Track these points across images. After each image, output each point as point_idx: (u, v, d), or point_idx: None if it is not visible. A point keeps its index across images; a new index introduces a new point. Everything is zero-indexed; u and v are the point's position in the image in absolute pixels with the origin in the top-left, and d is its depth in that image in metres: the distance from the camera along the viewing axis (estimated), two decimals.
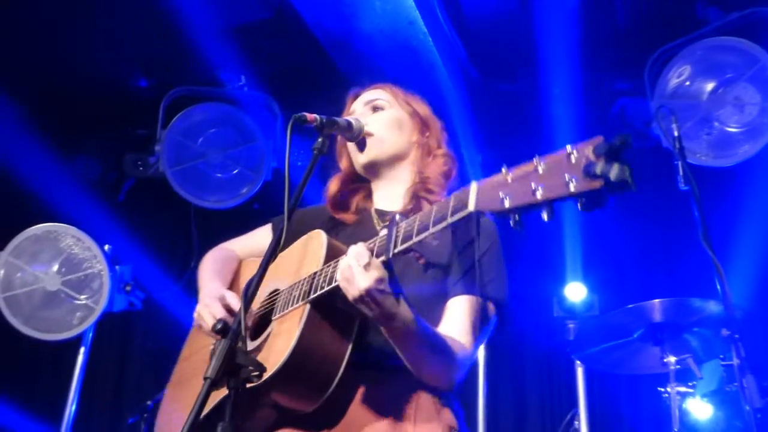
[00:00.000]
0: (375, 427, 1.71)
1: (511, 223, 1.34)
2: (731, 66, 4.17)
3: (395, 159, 2.02)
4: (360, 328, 1.73)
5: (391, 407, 1.74)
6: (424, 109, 2.11)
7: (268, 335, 1.79)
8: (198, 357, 2.07)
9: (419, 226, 1.53)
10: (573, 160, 1.25)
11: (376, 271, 1.55)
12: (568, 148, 1.27)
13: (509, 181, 1.35)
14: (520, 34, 4.49)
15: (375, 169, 2.03)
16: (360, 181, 2.12)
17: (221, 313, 1.88)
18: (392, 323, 1.59)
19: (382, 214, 2.02)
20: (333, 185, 2.12)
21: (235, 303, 1.92)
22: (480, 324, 1.83)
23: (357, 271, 1.55)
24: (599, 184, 1.21)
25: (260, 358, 1.74)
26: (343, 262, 1.59)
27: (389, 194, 2.04)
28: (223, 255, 2.24)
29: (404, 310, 1.59)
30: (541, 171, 1.30)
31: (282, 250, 2.06)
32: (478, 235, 1.89)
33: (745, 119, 4.17)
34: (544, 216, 1.29)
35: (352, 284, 1.56)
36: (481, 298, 1.83)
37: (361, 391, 1.74)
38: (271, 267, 2.02)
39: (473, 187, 1.42)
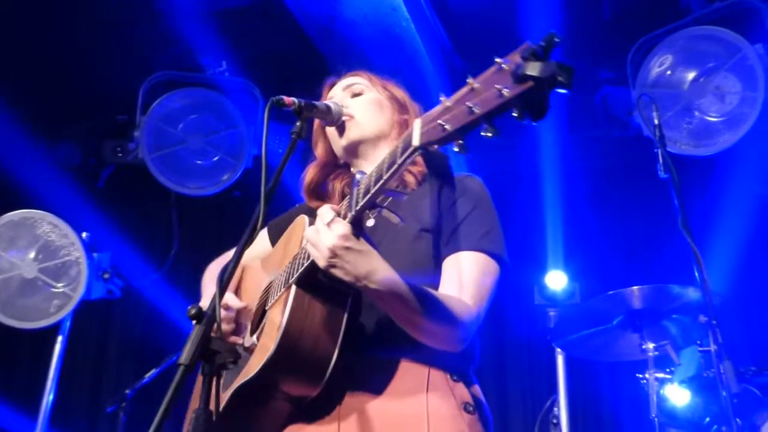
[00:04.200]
0: (388, 408, 1.67)
1: (456, 148, 1.34)
2: (713, 55, 4.19)
3: (377, 139, 1.98)
4: (356, 305, 1.69)
5: (400, 385, 1.69)
6: (401, 93, 2.09)
7: (263, 327, 1.78)
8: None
9: (375, 177, 1.51)
10: (504, 69, 1.24)
11: (340, 227, 1.52)
12: (497, 59, 1.26)
13: (447, 107, 1.34)
14: (503, 21, 4.47)
15: (356, 150, 1.99)
16: (338, 168, 2.09)
17: (224, 316, 1.85)
18: (369, 283, 1.56)
19: None
20: (309, 173, 2.09)
21: (232, 302, 1.88)
22: (481, 278, 1.75)
23: (321, 230, 1.54)
24: (530, 84, 1.20)
25: (258, 349, 1.74)
26: (308, 229, 1.58)
27: None
28: (224, 263, 2.20)
29: (379, 267, 1.57)
30: (476, 89, 1.29)
31: (273, 243, 2.06)
32: (463, 193, 1.85)
33: (725, 108, 4.19)
34: (487, 134, 1.29)
35: (318, 246, 1.54)
36: (476, 252, 1.77)
37: (369, 374, 1.71)
38: (265, 261, 2.03)
39: (416, 123, 1.41)
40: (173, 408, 1.35)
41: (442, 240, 1.81)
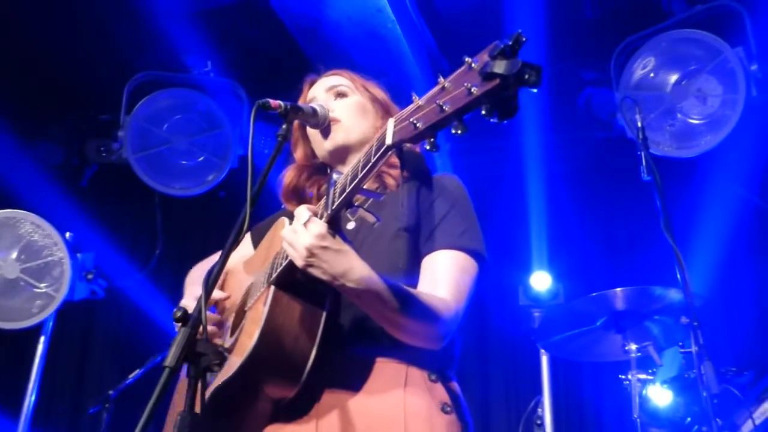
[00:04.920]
0: (365, 407, 1.69)
1: (427, 146, 1.37)
2: (694, 58, 4.23)
3: (361, 144, 1.98)
4: (334, 305, 1.71)
5: (378, 386, 1.71)
6: (382, 94, 2.10)
7: (242, 327, 1.79)
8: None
9: (351, 176, 1.53)
10: (473, 68, 1.27)
11: (316, 227, 1.55)
12: (467, 59, 1.29)
13: (419, 106, 1.37)
14: (488, 23, 4.50)
15: (341, 155, 2.00)
16: (317, 172, 2.10)
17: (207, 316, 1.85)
18: (347, 282, 1.57)
19: None
20: (288, 176, 2.09)
21: (215, 295, 1.90)
22: (460, 276, 1.78)
23: (298, 230, 1.56)
24: (496, 82, 1.22)
25: (237, 349, 1.75)
26: (285, 228, 1.59)
27: None
28: (207, 267, 2.21)
29: (356, 266, 1.58)
30: (447, 88, 1.32)
31: (255, 246, 2.06)
32: (441, 193, 1.88)
33: (707, 111, 4.23)
34: (457, 131, 1.31)
35: (296, 246, 1.56)
36: (454, 250, 1.80)
37: (347, 372, 1.72)
38: (247, 264, 2.04)
39: (390, 123, 1.44)
40: (158, 410, 1.35)
41: (421, 239, 1.83)
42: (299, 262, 1.56)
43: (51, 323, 4.11)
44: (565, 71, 4.86)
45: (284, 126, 1.82)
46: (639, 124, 3.21)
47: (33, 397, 3.98)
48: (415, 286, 1.76)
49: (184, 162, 4.89)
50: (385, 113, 2.04)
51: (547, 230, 4.76)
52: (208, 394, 1.70)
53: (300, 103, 2.01)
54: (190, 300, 1.92)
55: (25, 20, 4.45)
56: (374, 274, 1.60)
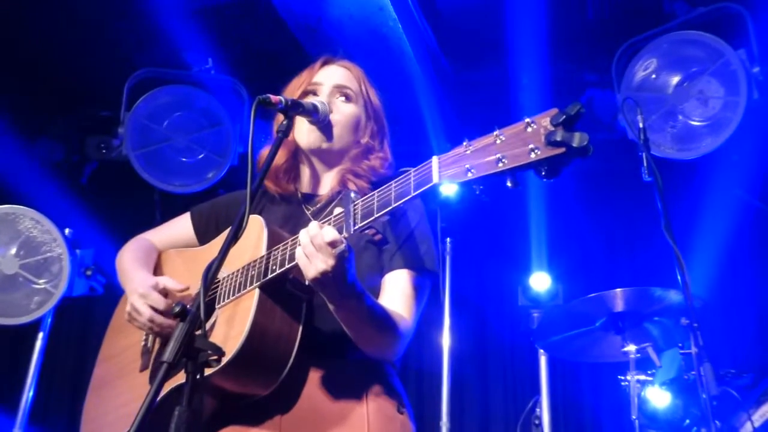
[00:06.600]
0: (329, 409, 1.75)
1: (476, 192, 1.44)
2: (696, 60, 4.22)
3: (341, 154, 2.04)
4: (307, 311, 1.76)
5: (343, 389, 1.78)
6: (380, 107, 2.15)
7: (214, 324, 1.78)
8: (125, 356, 2.04)
9: (380, 202, 1.55)
10: (531, 131, 1.35)
11: (341, 248, 1.57)
12: (526, 119, 1.36)
13: (470, 153, 1.42)
14: (490, 23, 4.49)
15: (323, 155, 2.04)
16: (295, 159, 2.11)
17: (162, 302, 1.87)
18: (345, 300, 1.64)
19: (308, 197, 2.05)
20: (282, 155, 2.08)
21: (172, 285, 1.91)
22: (418, 296, 1.90)
23: (323, 247, 1.56)
24: (562, 151, 1.30)
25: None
26: (304, 238, 1.59)
27: (318, 180, 2.07)
28: (142, 246, 2.22)
29: (357, 288, 1.65)
30: (499, 142, 1.39)
31: (209, 240, 2.06)
32: (407, 209, 1.94)
33: (708, 113, 4.22)
34: (509, 184, 1.38)
35: (315, 261, 1.57)
36: (415, 271, 1.90)
37: (312, 375, 1.78)
38: (203, 256, 2.02)
39: (435, 160, 1.48)
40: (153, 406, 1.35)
41: (386, 253, 1.91)
42: (311, 276, 1.58)
43: (49, 319, 4.10)
44: (566, 72, 4.85)
45: (284, 122, 1.83)
46: (640, 126, 3.20)
47: (31, 393, 3.97)
48: (374, 289, 1.85)
49: (183, 159, 4.88)
50: (376, 131, 2.10)
51: (546, 231, 4.76)
52: (170, 387, 1.68)
53: (300, 98, 2.01)
54: (146, 288, 1.91)
55: (25, 18, 4.44)
56: (366, 295, 1.67)
